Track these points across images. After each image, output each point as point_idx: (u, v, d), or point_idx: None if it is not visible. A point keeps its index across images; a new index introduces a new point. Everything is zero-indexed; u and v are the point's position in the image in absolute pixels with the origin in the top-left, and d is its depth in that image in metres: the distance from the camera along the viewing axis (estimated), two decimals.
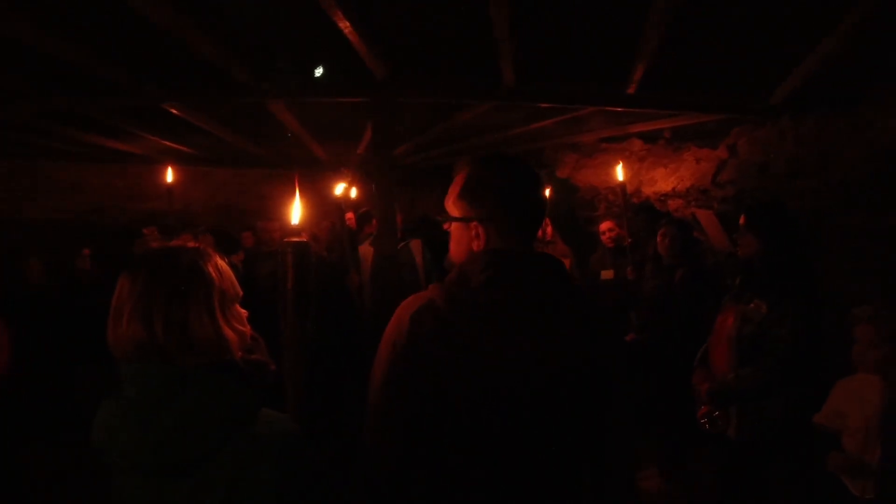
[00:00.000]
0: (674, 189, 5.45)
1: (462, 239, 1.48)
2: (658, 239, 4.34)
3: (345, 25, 3.22)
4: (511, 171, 1.47)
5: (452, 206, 1.51)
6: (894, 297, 3.39)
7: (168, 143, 6.30)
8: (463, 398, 1.32)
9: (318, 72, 4.28)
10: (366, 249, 5.30)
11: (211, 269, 1.34)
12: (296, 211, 1.63)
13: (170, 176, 3.94)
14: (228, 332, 1.32)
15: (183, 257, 1.33)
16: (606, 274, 5.11)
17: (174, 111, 4.64)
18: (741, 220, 2.90)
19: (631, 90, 4.12)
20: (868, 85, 3.61)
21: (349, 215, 5.55)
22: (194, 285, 1.30)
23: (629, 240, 4.45)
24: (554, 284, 1.44)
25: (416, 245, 5.40)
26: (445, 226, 1.55)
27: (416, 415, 1.34)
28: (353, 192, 5.51)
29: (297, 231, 1.60)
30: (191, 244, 1.39)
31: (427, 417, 1.34)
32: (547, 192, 4.93)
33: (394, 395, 1.36)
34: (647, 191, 5.78)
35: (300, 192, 1.62)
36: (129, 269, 1.31)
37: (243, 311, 1.41)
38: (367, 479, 1.40)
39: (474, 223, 1.44)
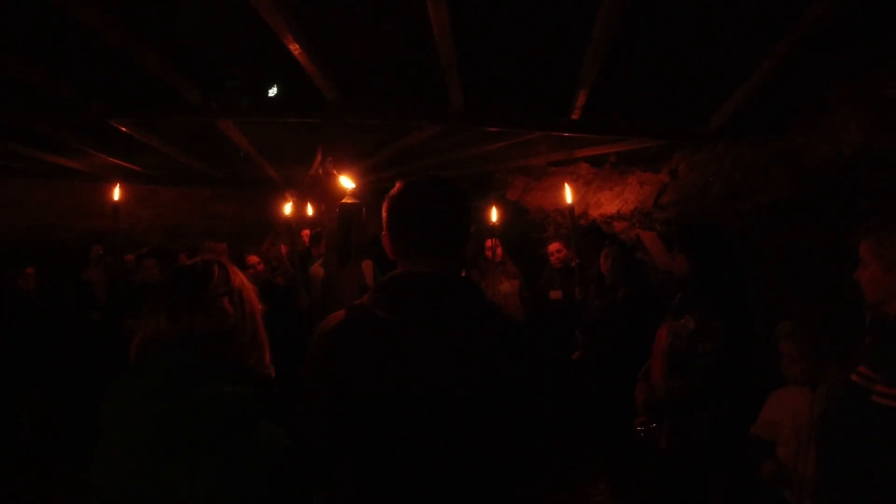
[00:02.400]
0: (619, 211, 5.58)
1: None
2: (601, 260, 4.47)
3: (294, 47, 3.26)
4: (408, 192, 1.62)
5: None
6: (820, 312, 3.53)
7: (115, 160, 6.20)
8: (371, 404, 1.43)
9: (273, 91, 4.29)
10: (316, 270, 5.30)
11: (247, 282, 1.58)
12: (347, 181, 1.81)
13: (116, 194, 3.90)
14: (264, 342, 1.55)
15: (230, 274, 1.55)
16: (555, 294, 5.21)
17: (122, 128, 4.59)
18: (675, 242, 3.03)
19: (575, 116, 4.24)
20: (796, 113, 3.79)
21: (305, 232, 5.53)
22: (241, 297, 1.52)
23: (577, 260, 4.55)
24: (456, 303, 1.53)
25: (367, 265, 5.41)
26: None
27: (331, 419, 1.47)
28: (310, 210, 5.49)
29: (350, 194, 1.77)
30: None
31: (343, 420, 1.45)
32: (495, 214, 5.00)
33: (311, 401, 1.51)
34: (594, 213, 5.91)
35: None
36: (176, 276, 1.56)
37: None
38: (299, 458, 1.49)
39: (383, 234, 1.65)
